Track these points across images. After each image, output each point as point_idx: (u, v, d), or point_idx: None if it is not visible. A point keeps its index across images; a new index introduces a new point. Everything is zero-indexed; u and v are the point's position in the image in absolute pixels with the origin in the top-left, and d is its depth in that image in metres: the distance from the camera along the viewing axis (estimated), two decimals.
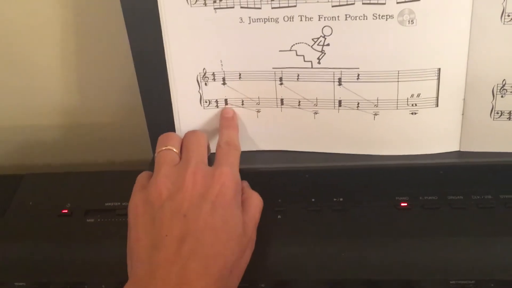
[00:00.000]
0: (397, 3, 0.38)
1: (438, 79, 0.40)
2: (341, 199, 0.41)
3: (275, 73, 0.43)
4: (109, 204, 0.44)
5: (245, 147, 0.44)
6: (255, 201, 0.39)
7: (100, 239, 0.41)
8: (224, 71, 0.43)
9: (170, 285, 0.32)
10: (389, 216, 0.40)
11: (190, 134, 0.42)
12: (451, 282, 0.37)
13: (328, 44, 0.41)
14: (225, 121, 0.43)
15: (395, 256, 0.38)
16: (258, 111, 0.45)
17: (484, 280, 0.37)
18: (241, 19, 0.41)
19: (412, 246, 0.38)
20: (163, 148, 0.40)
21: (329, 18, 0.39)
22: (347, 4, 0.39)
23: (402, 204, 0.41)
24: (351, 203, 0.41)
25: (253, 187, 0.41)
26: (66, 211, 0.44)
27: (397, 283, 0.38)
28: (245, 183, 0.41)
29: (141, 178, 0.39)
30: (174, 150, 0.40)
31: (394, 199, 0.41)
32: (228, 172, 0.37)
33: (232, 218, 0.36)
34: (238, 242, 0.35)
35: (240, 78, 0.43)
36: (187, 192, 0.35)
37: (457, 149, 0.43)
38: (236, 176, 0.38)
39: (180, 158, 0.40)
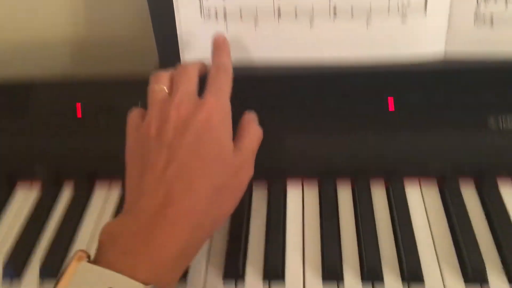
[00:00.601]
0: None
1: None
2: (333, 100, 0.45)
3: None
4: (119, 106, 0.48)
5: (243, 62, 0.47)
6: (252, 130, 0.40)
7: (109, 134, 0.45)
8: None
9: (156, 206, 0.33)
10: (378, 116, 0.44)
11: (179, 67, 0.42)
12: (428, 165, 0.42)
13: None
14: (216, 45, 0.44)
15: (383, 148, 0.43)
16: (256, 24, 0.48)
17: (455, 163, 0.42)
18: None
19: (398, 139, 0.43)
20: (154, 86, 0.41)
21: None
22: None
23: (390, 104, 0.44)
24: (344, 103, 0.45)
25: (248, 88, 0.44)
26: (80, 112, 0.48)
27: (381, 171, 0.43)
28: (250, 115, 0.42)
29: (134, 117, 0.41)
30: (164, 88, 0.40)
31: (383, 101, 0.45)
32: (213, 101, 0.38)
33: (218, 144, 0.37)
34: (225, 164, 0.37)
35: None
36: (171, 124, 0.37)
37: (443, 49, 0.46)
38: (223, 103, 0.39)
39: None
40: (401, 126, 0.43)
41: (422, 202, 0.42)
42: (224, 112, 0.39)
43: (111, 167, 0.44)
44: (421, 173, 0.43)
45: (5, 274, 0.40)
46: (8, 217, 0.45)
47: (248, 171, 0.39)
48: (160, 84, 0.40)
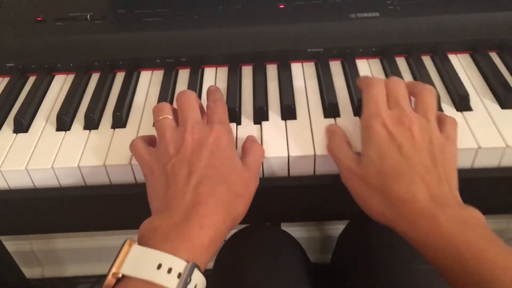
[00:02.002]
0: None
1: None
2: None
3: None
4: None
5: None
6: (257, 149, 0.47)
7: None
8: None
9: (187, 205, 0.39)
10: (271, 14, 0.59)
11: (181, 95, 0.47)
12: (308, 50, 0.57)
13: None
14: (209, 90, 0.51)
15: (276, 37, 0.58)
16: None
17: (328, 48, 0.57)
18: None
19: (286, 29, 0.58)
20: (160, 118, 0.46)
21: None
22: None
23: (280, 6, 0.59)
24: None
25: None
26: (40, 18, 0.60)
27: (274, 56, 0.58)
28: (252, 137, 0.49)
29: (139, 143, 0.46)
30: (170, 117, 0.46)
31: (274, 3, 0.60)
32: (220, 126, 0.45)
33: (229, 159, 0.43)
34: (238, 176, 0.43)
35: None
36: (188, 146, 0.43)
37: None
38: (227, 128, 0.46)
39: (176, 121, 0.46)
40: (289, 19, 0.58)
41: (302, 73, 0.57)
42: (230, 136, 0.45)
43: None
44: (303, 57, 0.58)
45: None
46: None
47: (256, 182, 0.45)
48: (164, 114, 0.46)
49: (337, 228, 1.20)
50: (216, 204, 0.40)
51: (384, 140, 0.42)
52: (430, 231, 0.38)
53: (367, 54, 0.58)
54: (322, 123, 0.50)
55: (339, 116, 0.51)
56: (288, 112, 0.51)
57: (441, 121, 0.45)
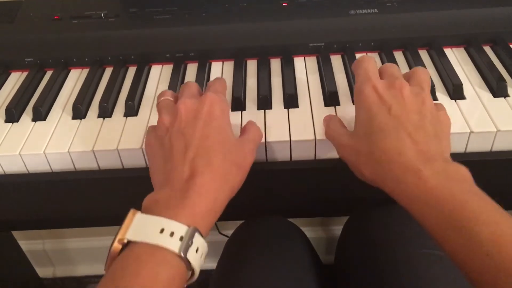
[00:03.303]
0: None
1: None
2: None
3: None
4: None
5: None
6: (255, 129, 0.49)
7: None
8: None
9: (185, 177, 0.40)
10: (275, 11, 0.62)
11: (183, 85, 0.50)
12: (310, 45, 0.60)
13: None
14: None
15: (279, 32, 0.61)
16: None
17: (329, 42, 0.60)
18: None
19: (289, 25, 0.61)
20: (161, 99, 0.49)
21: None
22: None
23: (283, 4, 0.63)
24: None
25: None
26: (57, 17, 0.64)
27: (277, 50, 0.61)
28: (251, 120, 0.50)
29: (151, 127, 0.48)
30: (170, 98, 0.49)
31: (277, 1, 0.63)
32: (213, 96, 0.46)
33: (224, 128, 0.44)
34: (234, 145, 0.44)
35: None
36: (182, 117, 0.44)
37: None
38: (221, 98, 0.46)
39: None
40: (292, 16, 0.61)
41: (304, 66, 0.60)
42: (223, 106, 0.46)
43: None
44: (305, 52, 0.61)
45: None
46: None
47: (253, 156, 0.46)
48: (165, 96, 0.49)
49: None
50: (212, 173, 0.41)
51: (374, 103, 0.43)
52: (415, 186, 0.38)
53: (367, 48, 0.61)
54: (322, 111, 0.53)
55: (339, 104, 0.54)
56: (291, 101, 0.54)
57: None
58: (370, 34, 0.60)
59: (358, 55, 0.60)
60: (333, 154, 0.49)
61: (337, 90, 0.54)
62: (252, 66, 0.61)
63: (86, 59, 0.62)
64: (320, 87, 0.56)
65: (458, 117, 0.50)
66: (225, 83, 0.53)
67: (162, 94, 0.50)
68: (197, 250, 0.38)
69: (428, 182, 0.38)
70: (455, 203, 0.36)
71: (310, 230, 1.21)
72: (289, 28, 0.61)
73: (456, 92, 0.53)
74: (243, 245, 0.62)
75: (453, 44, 0.60)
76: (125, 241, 0.37)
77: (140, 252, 0.37)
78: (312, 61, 0.61)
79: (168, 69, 0.61)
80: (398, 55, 0.60)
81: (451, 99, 0.53)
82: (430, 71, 0.56)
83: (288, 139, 0.50)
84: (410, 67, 0.58)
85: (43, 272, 1.23)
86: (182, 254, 0.37)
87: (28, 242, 1.20)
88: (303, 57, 0.61)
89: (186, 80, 0.60)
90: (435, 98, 0.53)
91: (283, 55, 0.61)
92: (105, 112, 0.55)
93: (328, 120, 0.50)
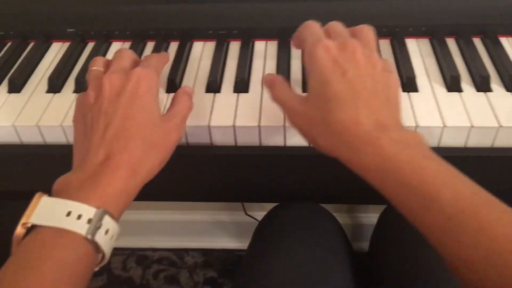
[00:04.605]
0: None
1: None
2: None
3: None
4: None
5: None
6: (183, 101, 0.47)
7: None
8: None
9: (99, 160, 0.40)
10: None
11: (115, 52, 0.49)
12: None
13: None
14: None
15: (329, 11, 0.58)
16: None
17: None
18: None
19: (338, 5, 0.59)
20: (91, 69, 0.47)
21: None
22: None
23: None
24: None
25: None
26: None
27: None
28: (185, 88, 0.49)
29: (80, 95, 0.47)
30: (101, 69, 0.47)
31: None
32: (141, 71, 0.44)
33: (147, 109, 0.43)
34: (155, 126, 0.43)
35: None
36: (106, 94, 0.43)
37: None
38: (150, 74, 0.45)
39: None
40: None
41: None
42: (151, 82, 0.44)
43: None
44: None
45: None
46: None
47: (178, 133, 0.45)
48: (96, 66, 0.47)
49: (368, 216, 1.21)
50: (127, 157, 0.41)
51: (327, 66, 0.41)
52: (372, 155, 0.37)
53: (417, 34, 0.58)
54: None
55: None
56: None
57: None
58: (421, 19, 0.58)
59: (408, 40, 0.58)
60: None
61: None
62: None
63: (128, 33, 0.61)
64: None
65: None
66: (165, 59, 0.51)
67: (93, 62, 0.48)
68: (106, 232, 0.38)
69: (386, 150, 0.37)
70: (414, 168, 0.36)
71: (337, 216, 1.20)
72: (337, 9, 0.59)
73: None
74: (276, 229, 0.61)
75: (509, 33, 0.58)
76: (29, 225, 0.37)
77: (45, 236, 0.36)
78: None
79: (210, 45, 0.60)
80: (450, 42, 0.57)
81: (507, 91, 0.51)
82: (484, 60, 0.54)
83: None
84: (463, 56, 0.56)
85: None
86: (89, 237, 0.37)
87: None
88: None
89: (228, 59, 0.58)
90: (489, 89, 0.51)
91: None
92: None
93: (271, 82, 0.46)
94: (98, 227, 0.37)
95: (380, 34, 0.58)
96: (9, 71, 0.58)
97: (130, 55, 0.48)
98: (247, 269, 0.58)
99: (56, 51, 0.61)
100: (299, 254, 0.56)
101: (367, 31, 0.45)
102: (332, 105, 0.39)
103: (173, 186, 0.56)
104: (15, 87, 0.55)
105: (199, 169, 0.54)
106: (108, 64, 0.48)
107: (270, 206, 0.68)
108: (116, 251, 1.28)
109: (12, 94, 0.55)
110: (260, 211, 1.13)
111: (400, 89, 0.43)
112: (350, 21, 0.56)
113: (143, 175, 0.42)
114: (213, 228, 1.24)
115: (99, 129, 0.42)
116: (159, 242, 1.26)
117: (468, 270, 0.34)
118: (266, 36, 0.60)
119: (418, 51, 0.57)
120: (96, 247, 0.37)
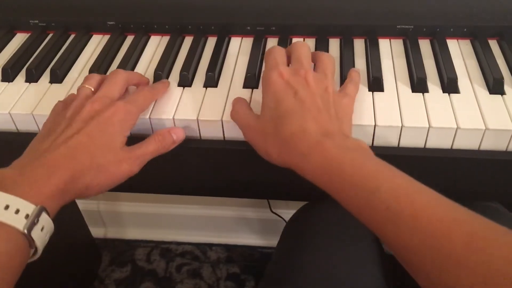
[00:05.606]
0: None
1: None
2: None
3: None
4: None
5: None
6: (152, 143, 0.48)
7: None
8: None
9: (44, 162, 0.42)
10: None
11: (111, 73, 0.51)
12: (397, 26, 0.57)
13: None
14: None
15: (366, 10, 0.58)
16: None
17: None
18: None
19: (376, 4, 0.58)
20: (83, 86, 0.49)
21: None
22: None
23: None
24: None
25: None
26: None
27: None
28: (171, 129, 0.49)
29: (58, 102, 0.50)
30: (91, 88, 0.49)
31: None
32: (122, 106, 0.46)
33: (111, 135, 0.45)
34: (110, 152, 0.44)
35: None
36: (83, 114, 0.45)
37: None
38: (130, 110, 0.47)
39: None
40: None
41: (390, 50, 0.58)
42: (127, 117, 0.47)
43: None
44: (391, 33, 0.59)
45: None
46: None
47: (130, 167, 0.46)
48: (88, 84, 0.49)
49: None
50: (72, 164, 0.42)
51: (280, 88, 0.45)
52: (318, 157, 0.41)
53: (458, 34, 0.58)
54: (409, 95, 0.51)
55: (427, 91, 0.51)
56: (376, 84, 0.52)
57: (345, 83, 0.50)
58: (464, 20, 0.57)
59: (449, 41, 0.57)
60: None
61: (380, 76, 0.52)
62: (334, 44, 0.59)
63: (167, 27, 0.62)
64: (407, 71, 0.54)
65: None
66: (158, 92, 0.52)
67: (86, 79, 0.50)
68: (42, 229, 0.39)
69: (330, 152, 0.41)
70: (355, 166, 0.40)
71: None
72: (376, 8, 0.58)
73: None
74: (309, 227, 0.61)
75: None
76: None
77: None
78: (398, 44, 0.58)
79: (248, 41, 0.60)
80: (493, 44, 0.56)
81: None
82: None
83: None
84: (505, 59, 0.54)
85: (95, 232, 1.27)
86: (26, 232, 0.37)
87: (85, 202, 1.24)
88: (388, 39, 0.59)
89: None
90: None
91: (368, 35, 0.59)
92: (185, 81, 0.54)
93: (234, 103, 0.50)
94: (35, 223, 0.38)
95: (420, 34, 0.58)
96: (50, 62, 0.59)
97: (122, 80, 0.50)
98: (279, 266, 0.58)
99: (96, 43, 0.62)
100: (332, 252, 0.56)
101: (326, 59, 0.49)
102: (284, 119, 0.44)
103: (205, 181, 0.57)
104: (57, 77, 0.56)
105: (226, 164, 0.55)
106: (100, 84, 0.50)
107: (295, 204, 0.68)
108: (141, 243, 1.30)
109: (54, 85, 0.56)
110: (285, 209, 1.13)
111: (352, 113, 0.48)
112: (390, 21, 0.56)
113: (80, 187, 0.43)
114: (237, 224, 1.24)
115: (61, 136, 0.44)
116: (183, 236, 1.28)
117: (408, 255, 0.36)
118: (304, 33, 0.60)
119: (460, 52, 0.56)
120: (31, 242, 0.38)
